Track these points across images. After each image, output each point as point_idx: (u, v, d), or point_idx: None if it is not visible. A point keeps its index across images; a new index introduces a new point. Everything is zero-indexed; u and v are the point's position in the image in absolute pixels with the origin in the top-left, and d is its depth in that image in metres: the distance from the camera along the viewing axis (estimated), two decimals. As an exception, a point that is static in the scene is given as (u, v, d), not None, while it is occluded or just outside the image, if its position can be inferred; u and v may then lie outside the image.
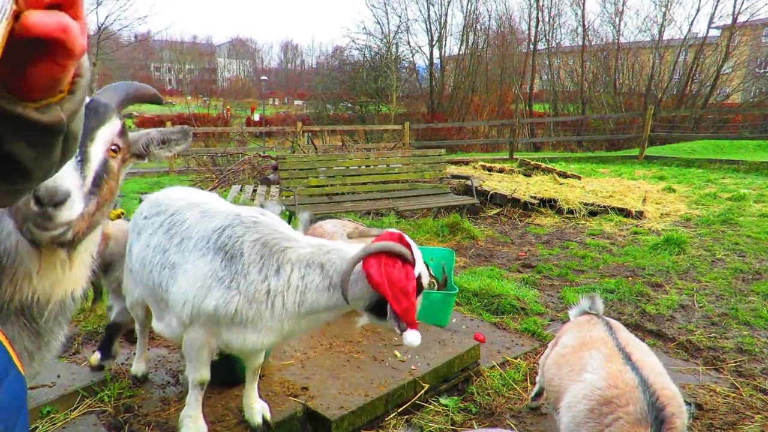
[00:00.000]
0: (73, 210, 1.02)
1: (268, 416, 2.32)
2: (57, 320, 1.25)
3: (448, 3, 28.87)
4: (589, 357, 2.03)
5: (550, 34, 28.82)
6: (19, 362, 0.78)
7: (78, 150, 0.97)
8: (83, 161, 1.08)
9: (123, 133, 1.25)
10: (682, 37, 24.55)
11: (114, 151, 1.21)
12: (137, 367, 2.69)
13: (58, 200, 0.98)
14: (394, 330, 1.88)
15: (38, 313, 1.18)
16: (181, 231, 2.09)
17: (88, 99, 1.14)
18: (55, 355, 1.31)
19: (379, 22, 37.10)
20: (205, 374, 2.10)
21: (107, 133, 1.17)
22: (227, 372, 2.54)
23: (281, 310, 1.93)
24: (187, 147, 1.38)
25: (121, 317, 2.79)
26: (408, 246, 1.90)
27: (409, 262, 1.88)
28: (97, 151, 1.13)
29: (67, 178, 1.01)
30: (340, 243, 2.06)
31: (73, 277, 1.21)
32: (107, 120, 1.17)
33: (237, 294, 1.90)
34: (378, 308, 1.92)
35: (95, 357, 2.74)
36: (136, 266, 2.27)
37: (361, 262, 1.84)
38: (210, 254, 1.96)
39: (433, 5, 28.85)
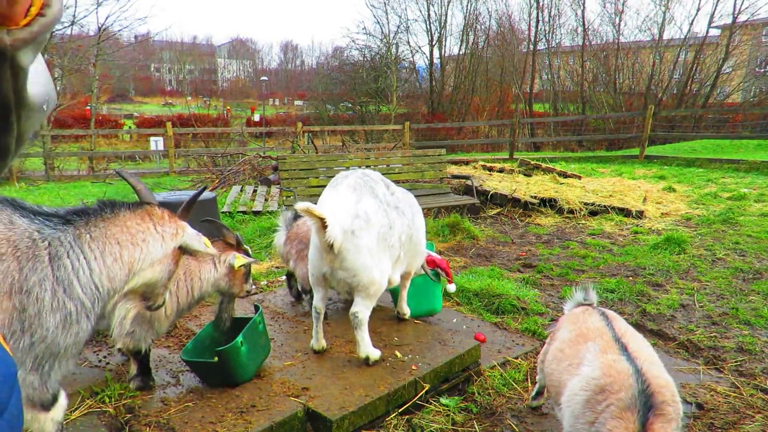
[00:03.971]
0: None
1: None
2: None
3: (448, 3, 28.92)
4: (586, 350, 2.02)
5: (550, 34, 28.87)
6: (5, 344, 0.79)
7: None
8: None
9: None
10: (683, 36, 24.57)
11: None
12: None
13: None
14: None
15: None
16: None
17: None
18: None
19: (378, 22, 37.25)
20: None
21: None
22: (226, 375, 2.54)
23: None
24: None
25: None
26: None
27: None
28: None
29: None
30: None
31: None
32: None
33: None
34: None
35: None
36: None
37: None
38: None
39: (433, 5, 28.89)
